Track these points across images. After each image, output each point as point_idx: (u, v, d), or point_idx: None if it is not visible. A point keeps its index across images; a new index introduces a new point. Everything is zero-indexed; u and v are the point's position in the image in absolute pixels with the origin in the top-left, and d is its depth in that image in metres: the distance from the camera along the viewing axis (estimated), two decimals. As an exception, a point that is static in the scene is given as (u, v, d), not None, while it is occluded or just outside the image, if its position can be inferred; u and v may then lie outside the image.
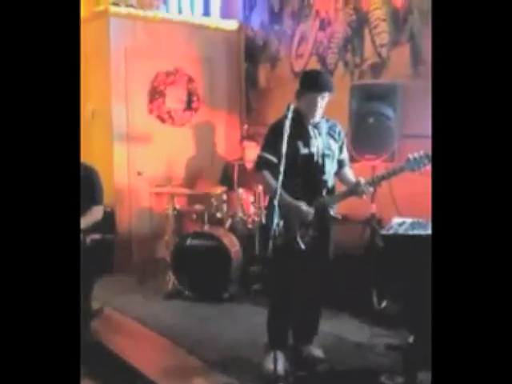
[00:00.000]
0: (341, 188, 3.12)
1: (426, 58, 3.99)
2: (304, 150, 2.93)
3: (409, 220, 3.02)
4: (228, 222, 4.50)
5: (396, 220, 3.06)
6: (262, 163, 3.04)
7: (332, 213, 3.01)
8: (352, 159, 3.91)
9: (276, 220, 2.80)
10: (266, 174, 3.00)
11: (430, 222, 2.90)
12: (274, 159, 2.96)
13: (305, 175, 2.92)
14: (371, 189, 2.96)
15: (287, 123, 2.86)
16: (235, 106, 5.62)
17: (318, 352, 3.11)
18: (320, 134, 3.00)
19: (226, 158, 5.32)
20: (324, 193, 2.99)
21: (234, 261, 4.18)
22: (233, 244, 4.27)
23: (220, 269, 4.17)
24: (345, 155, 3.16)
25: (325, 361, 3.06)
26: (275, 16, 5.17)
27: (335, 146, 3.06)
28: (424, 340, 2.81)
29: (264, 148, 3.06)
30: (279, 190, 2.78)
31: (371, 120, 3.81)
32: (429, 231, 2.78)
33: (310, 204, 2.91)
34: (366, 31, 4.39)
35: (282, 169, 2.78)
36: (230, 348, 3.28)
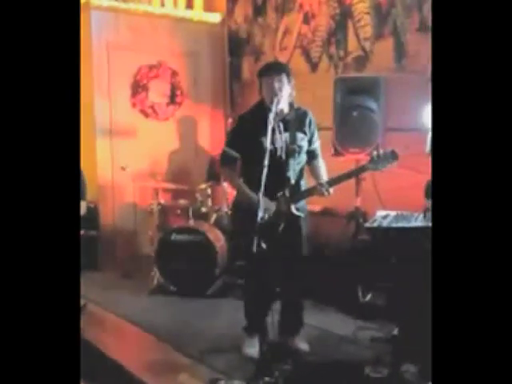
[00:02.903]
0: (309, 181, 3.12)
1: (409, 51, 4.00)
2: (267, 146, 2.84)
3: (393, 213, 3.02)
4: (213, 217, 4.48)
5: (380, 213, 3.07)
6: (224, 158, 3.04)
7: (295, 211, 2.96)
8: (336, 153, 3.95)
9: (261, 214, 2.79)
10: (229, 170, 3.01)
11: (413, 215, 2.92)
12: (236, 154, 2.95)
13: (268, 171, 2.78)
14: (331, 190, 2.89)
15: (271, 116, 2.85)
16: (219, 100, 5.58)
17: (303, 345, 3.13)
18: (287, 128, 2.96)
19: (211, 152, 5.30)
20: (287, 190, 2.95)
21: (219, 256, 4.17)
22: (218, 239, 4.26)
23: (205, 264, 4.16)
24: (316, 146, 3.10)
25: (310, 354, 3.07)
26: (259, 9, 5.14)
27: (304, 140, 3.02)
28: (408, 332, 2.83)
29: (227, 142, 3.05)
30: (263, 184, 2.76)
31: (355, 113, 3.81)
32: (412, 223, 2.80)
33: (272, 201, 2.87)
34: (350, 24, 4.39)
35: (266, 162, 2.76)
36: (215, 343, 3.27)
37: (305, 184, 3.10)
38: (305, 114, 3.06)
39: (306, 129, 3.03)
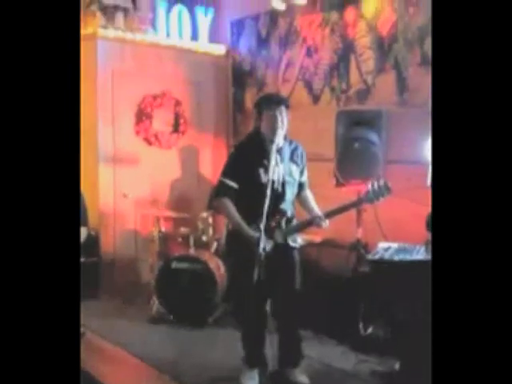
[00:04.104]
0: (299, 212, 3.15)
1: (410, 85, 4.07)
2: (265, 178, 2.87)
3: (394, 245, 3.04)
4: (214, 246, 4.48)
5: (382, 245, 3.08)
6: (222, 189, 3.00)
7: (291, 243, 3.00)
8: (338, 183, 3.97)
9: (262, 245, 2.80)
10: (226, 201, 2.97)
11: (415, 247, 2.93)
12: (235, 186, 2.95)
13: (264, 203, 2.78)
14: (327, 222, 2.96)
15: (274, 148, 2.89)
16: (222, 130, 5.64)
17: (303, 378, 3.08)
18: (282, 159, 2.98)
19: (212, 181, 5.32)
20: (283, 222, 2.98)
21: (220, 284, 4.15)
22: (218, 268, 4.24)
23: (205, 293, 4.13)
24: (305, 177, 3.17)
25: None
26: (262, 41, 5.24)
27: (297, 171, 3.06)
28: (410, 367, 2.80)
29: (224, 173, 3.01)
30: (265, 214, 2.78)
31: (357, 145, 3.84)
32: (414, 256, 2.80)
33: (269, 233, 2.85)
34: (352, 58, 4.46)
35: (268, 193, 2.80)
36: (214, 373, 3.22)
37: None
38: (297, 147, 3.10)
39: (299, 160, 3.08)
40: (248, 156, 2.98)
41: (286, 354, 3.14)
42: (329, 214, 2.96)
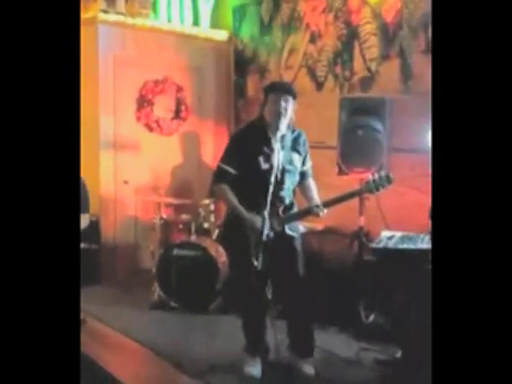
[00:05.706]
0: (300, 201, 3.13)
1: (415, 72, 4.03)
2: (265, 166, 2.87)
3: (398, 233, 3.02)
4: (215, 233, 4.47)
5: (385, 233, 3.07)
6: (220, 175, 2.99)
7: (289, 231, 2.99)
8: (341, 171, 3.95)
9: (266, 231, 2.79)
10: (225, 187, 2.96)
11: (419, 236, 2.92)
12: (233, 171, 2.93)
13: (264, 191, 2.80)
14: (325, 210, 2.92)
15: (278, 135, 2.86)
16: (223, 116, 5.60)
17: (308, 368, 3.06)
18: (283, 147, 2.94)
19: (214, 168, 5.29)
20: (281, 210, 2.96)
21: (221, 271, 4.14)
22: (220, 254, 4.23)
23: (206, 279, 4.13)
24: (307, 167, 3.13)
25: (315, 378, 3.01)
26: (265, 27, 5.18)
27: (299, 160, 3.03)
28: (412, 355, 2.81)
29: (223, 159, 3.00)
30: (269, 200, 2.77)
31: (360, 133, 3.82)
32: (418, 245, 2.79)
33: (267, 220, 2.82)
34: (356, 45, 4.42)
35: (272, 179, 2.79)
36: (215, 360, 3.23)
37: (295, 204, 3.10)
38: (299, 135, 3.07)
39: (301, 149, 3.05)
40: (248, 142, 2.96)
41: (297, 344, 3.11)
42: (327, 204, 2.93)
